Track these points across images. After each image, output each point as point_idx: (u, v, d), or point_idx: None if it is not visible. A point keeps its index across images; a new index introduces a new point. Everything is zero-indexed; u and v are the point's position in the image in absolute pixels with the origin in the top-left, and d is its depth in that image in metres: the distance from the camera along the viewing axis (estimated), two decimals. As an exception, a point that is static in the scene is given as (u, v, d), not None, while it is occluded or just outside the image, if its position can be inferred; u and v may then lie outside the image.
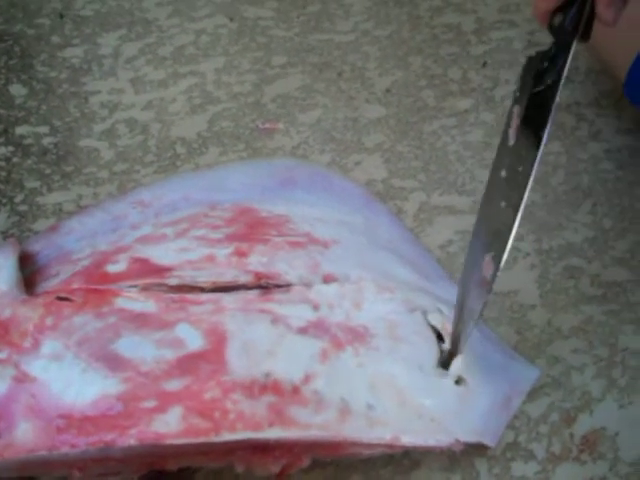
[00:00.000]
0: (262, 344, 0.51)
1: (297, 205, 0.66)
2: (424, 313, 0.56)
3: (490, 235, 0.50)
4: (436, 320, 0.56)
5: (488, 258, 0.50)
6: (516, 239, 0.68)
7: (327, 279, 0.57)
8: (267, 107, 0.79)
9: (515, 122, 0.51)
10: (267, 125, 0.77)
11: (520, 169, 0.49)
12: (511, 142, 0.50)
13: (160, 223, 0.63)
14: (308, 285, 0.56)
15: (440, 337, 0.55)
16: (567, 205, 0.72)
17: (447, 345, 0.54)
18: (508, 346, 0.61)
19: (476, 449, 0.54)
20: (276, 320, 0.53)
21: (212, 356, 0.50)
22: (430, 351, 0.53)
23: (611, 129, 0.80)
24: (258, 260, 0.57)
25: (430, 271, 0.62)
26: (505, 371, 0.57)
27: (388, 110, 0.80)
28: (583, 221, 0.71)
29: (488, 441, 0.53)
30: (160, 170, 0.72)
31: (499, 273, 0.49)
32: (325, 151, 0.75)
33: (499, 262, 0.49)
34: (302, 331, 0.52)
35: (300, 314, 0.54)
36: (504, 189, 0.50)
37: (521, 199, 0.49)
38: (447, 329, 0.54)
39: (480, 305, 0.50)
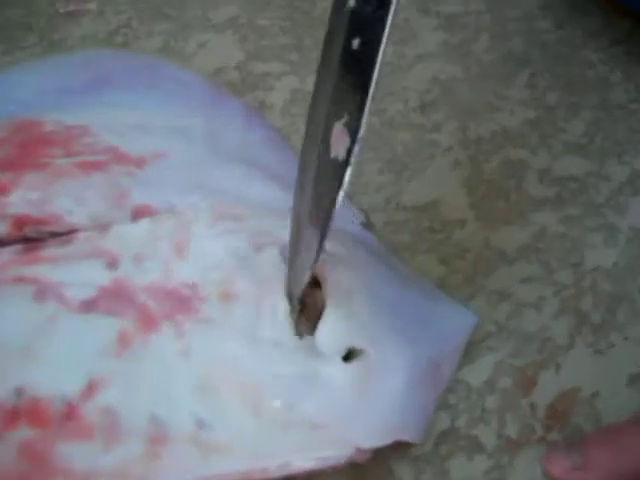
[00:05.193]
0: (13, 339, 0.30)
1: (106, 110, 0.44)
2: (284, 248, 0.35)
3: (338, 97, 0.30)
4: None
5: (338, 127, 0.29)
6: (431, 130, 0.50)
7: (137, 214, 0.36)
8: (73, -16, 0.57)
9: None
10: (71, 7, 0.54)
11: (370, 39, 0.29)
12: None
13: None
14: (105, 228, 0.35)
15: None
16: (497, 79, 0.53)
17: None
18: (429, 284, 0.41)
19: (394, 449, 0.35)
20: (42, 292, 0.32)
21: None
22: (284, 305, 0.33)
23: (545, -23, 0.60)
24: (23, 197, 0.36)
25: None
26: (426, 324, 0.38)
27: (243, -26, 0.58)
28: (520, 98, 0.52)
29: (409, 436, 0.34)
30: None
31: (357, 147, 0.29)
32: (155, 34, 0.54)
33: (356, 129, 0.29)
34: (86, 307, 0.32)
35: (86, 278, 0.33)
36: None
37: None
38: (320, 272, 0.34)
39: (332, 204, 0.30)
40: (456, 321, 0.39)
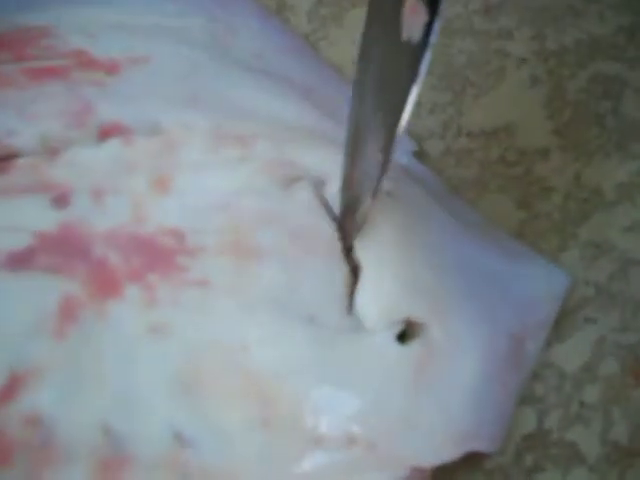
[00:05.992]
0: None
1: (77, 8, 0.34)
2: (319, 184, 0.25)
3: None
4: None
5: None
6: (502, 36, 0.39)
7: (104, 133, 0.26)
8: None
9: None
10: None
11: None
12: None
13: None
14: (55, 152, 0.25)
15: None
16: (580, -24, 0.42)
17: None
18: (504, 234, 0.31)
19: (461, 462, 0.25)
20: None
21: None
22: (333, 271, 0.23)
23: None
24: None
25: (336, 102, 0.31)
26: (504, 287, 0.28)
27: None
28: (611, 0, 0.40)
29: (483, 445, 0.24)
30: None
31: (437, 25, 0.20)
32: None
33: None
34: (16, 262, 0.22)
35: (20, 220, 0.23)
36: None
37: None
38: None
39: (403, 104, 0.21)
40: (543, 283, 0.29)
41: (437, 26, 0.20)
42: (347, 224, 0.24)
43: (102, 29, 0.32)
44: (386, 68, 0.22)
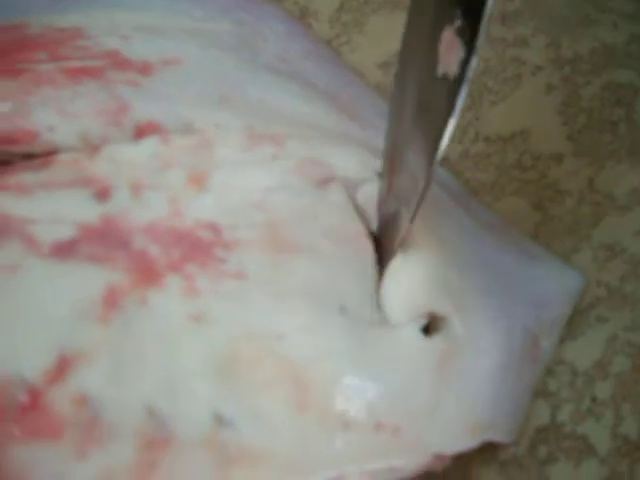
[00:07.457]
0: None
1: (108, 11, 0.35)
2: (350, 186, 0.26)
3: None
4: (372, 200, 0.26)
5: (449, 34, 0.20)
6: (518, 44, 0.40)
7: (140, 132, 0.27)
8: None
9: None
10: None
11: None
12: None
13: None
14: (95, 149, 0.26)
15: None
16: (595, -14, 0.43)
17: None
18: (520, 235, 0.32)
19: (478, 452, 0.26)
20: (2, 232, 0.23)
21: None
22: (364, 269, 0.24)
23: None
24: (-11, 109, 0.27)
25: (358, 106, 0.32)
26: (521, 286, 0.29)
27: None
28: (624, 10, 0.42)
29: (499, 435, 0.25)
30: None
31: (475, 60, 0.20)
32: None
33: (473, 36, 0.20)
34: (62, 252, 0.23)
35: (64, 213, 0.24)
36: None
37: None
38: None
39: (440, 135, 0.22)
40: (557, 282, 0.30)
41: (474, 62, 0.20)
42: (386, 241, 0.25)
43: (133, 31, 0.33)
44: (424, 101, 0.22)
